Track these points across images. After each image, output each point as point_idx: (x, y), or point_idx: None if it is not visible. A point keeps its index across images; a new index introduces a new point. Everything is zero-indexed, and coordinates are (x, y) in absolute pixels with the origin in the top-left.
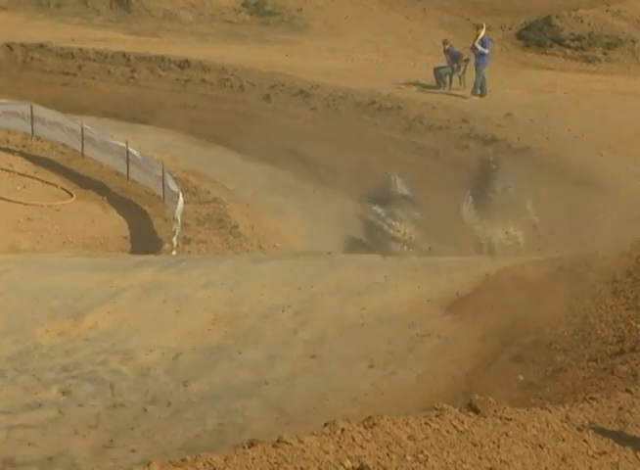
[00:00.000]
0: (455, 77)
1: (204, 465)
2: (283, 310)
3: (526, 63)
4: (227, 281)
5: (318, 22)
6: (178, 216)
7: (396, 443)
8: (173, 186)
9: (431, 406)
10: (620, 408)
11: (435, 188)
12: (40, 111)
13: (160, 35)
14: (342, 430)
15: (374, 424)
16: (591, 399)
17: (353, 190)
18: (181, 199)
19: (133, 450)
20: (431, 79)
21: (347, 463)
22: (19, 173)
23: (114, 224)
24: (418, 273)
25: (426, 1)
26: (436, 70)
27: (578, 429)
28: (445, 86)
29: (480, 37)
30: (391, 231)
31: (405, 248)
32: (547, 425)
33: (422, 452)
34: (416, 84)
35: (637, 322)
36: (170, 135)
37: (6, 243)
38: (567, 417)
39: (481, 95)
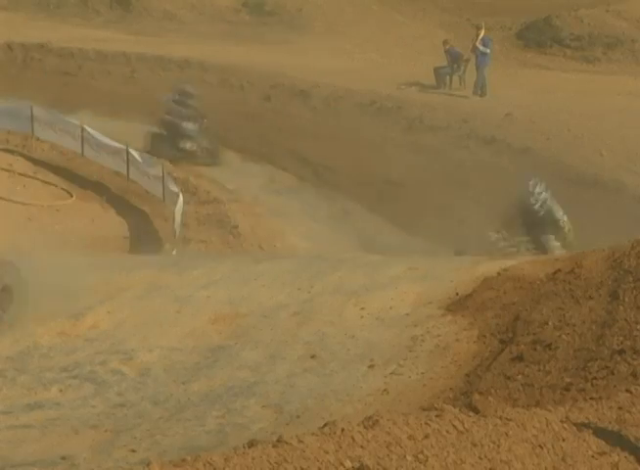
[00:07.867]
0: (455, 78)
1: (204, 465)
2: (283, 310)
3: (526, 63)
4: (227, 281)
5: (318, 22)
6: (178, 216)
7: (396, 443)
8: (173, 187)
9: (431, 406)
10: (620, 408)
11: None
12: (40, 111)
13: (161, 35)
14: (342, 430)
15: (374, 424)
16: (591, 399)
17: (353, 190)
18: (181, 199)
19: (133, 450)
20: (431, 79)
21: (347, 463)
22: (19, 173)
23: (114, 224)
24: (418, 273)
25: (426, 1)
26: (437, 71)
27: (578, 429)
28: (445, 86)
29: (480, 37)
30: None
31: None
32: (547, 425)
33: (422, 452)
34: (416, 84)
35: (637, 322)
36: None
37: (6, 243)
38: (567, 417)
39: (482, 95)
